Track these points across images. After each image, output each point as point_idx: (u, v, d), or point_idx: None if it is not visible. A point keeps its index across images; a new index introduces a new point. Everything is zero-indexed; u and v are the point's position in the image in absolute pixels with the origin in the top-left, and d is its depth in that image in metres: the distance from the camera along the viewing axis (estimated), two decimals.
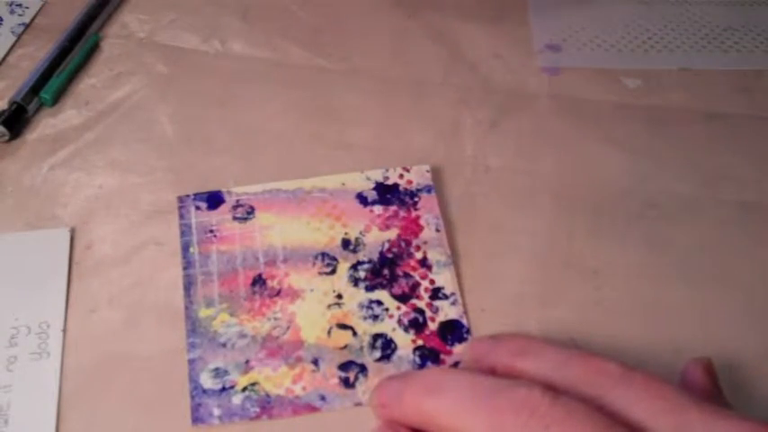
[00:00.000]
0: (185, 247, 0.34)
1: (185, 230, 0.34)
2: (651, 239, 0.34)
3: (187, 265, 0.33)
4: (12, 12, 0.44)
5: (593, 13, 0.46)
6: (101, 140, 0.39)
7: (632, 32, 0.45)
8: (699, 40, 0.44)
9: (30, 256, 0.34)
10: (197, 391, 0.30)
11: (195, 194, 0.36)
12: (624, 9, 0.46)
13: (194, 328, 0.31)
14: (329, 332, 0.31)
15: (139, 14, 0.45)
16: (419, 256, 0.34)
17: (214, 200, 0.35)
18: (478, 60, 0.42)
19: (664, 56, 0.43)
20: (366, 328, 0.32)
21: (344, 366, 0.30)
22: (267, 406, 0.29)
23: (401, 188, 0.36)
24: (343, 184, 0.36)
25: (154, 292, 0.33)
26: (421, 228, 0.34)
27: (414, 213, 0.35)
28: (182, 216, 0.35)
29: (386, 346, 0.31)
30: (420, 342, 0.31)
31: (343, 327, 0.32)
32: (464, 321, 0.32)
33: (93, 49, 0.43)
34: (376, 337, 0.31)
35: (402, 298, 0.32)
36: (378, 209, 0.35)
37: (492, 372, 0.28)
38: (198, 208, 0.35)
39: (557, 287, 0.33)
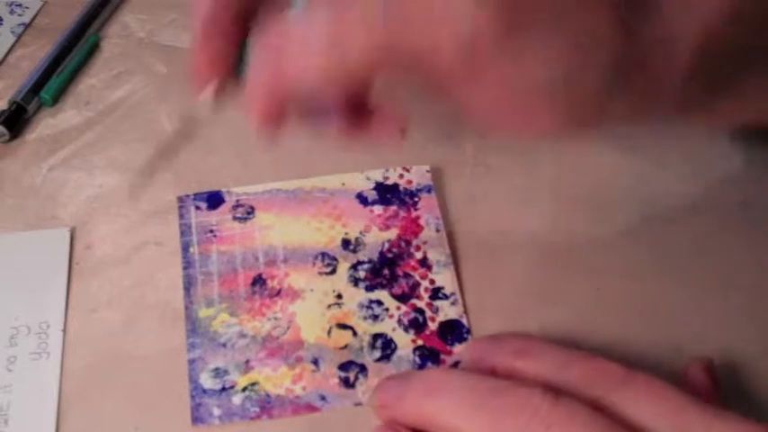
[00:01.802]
0: (185, 247, 0.34)
1: (185, 230, 0.34)
2: (651, 239, 0.34)
3: (187, 265, 0.33)
4: (12, 12, 0.44)
5: None
6: (101, 140, 0.39)
7: None
8: None
9: (30, 256, 0.34)
10: (197, 391, 0.30)
11: (195, 194, 0.36)
12: None
13: (194, 328, 0.31)
14: (329, 332, 0.31)
15: (139, 14, 0.45)
16: (419, 256, 0.34)
17: (214, 200, 0.35)
18: None
19: None
20: (366, 328, 0.32)
21: (344, 366, 0.30)
22: (267, 406, 0.29)
23: (401, 188, 0.36)
24: (343, 184, 0.36)
25: (154, 292, 0.33)
26: (421, 228, 0.34)
27: (414, 213, 0.35)
28: (182, 216, 0.35)
29: (386, 346, 0.31)
30: (420, 342, 0.31)
31: (343, 327, 0.32)
32: (464, 321, 0.32)
33: (93, 49, 0.43)
34: (376, 336, 0.31)
35: (402, 298, 0.32)
36: (378, 209, 0.35)
37: (492, 372, 0.28)
38: (198, 208, 0.35)
39: (557, 287, 0.33)
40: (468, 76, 0.24)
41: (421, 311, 0.32)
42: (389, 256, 0.34)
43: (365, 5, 0.22)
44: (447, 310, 0.32)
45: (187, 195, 0.36)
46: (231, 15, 0.25)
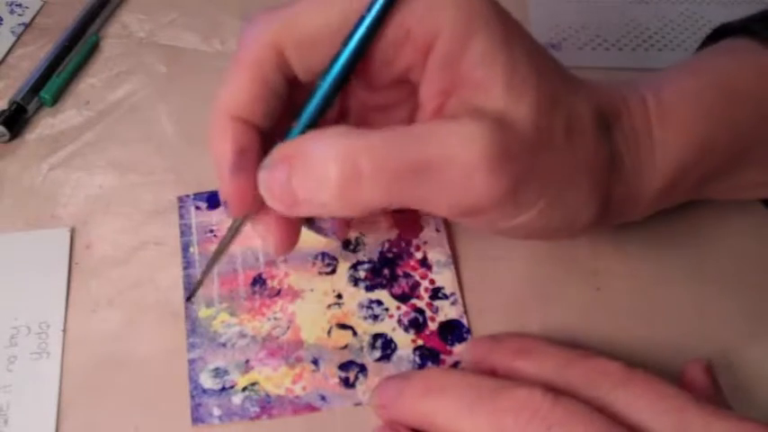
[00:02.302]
0: (185, 247, 0.34)
1: (185, 230, 0.34)
2: (651, 239, 0.34)
3: (187, 265, 0.33)
4: (12, 12, 0.44)
5: (594, 12, 0.46)
6: (101, 140, 0.39)
7: (632, 32, 0.45)
8: (699, 39, 0.44)
9: (30, 256, 0.34)
10: (197, 390, 0.30)
11: (195, 194, 0.36)
12: (624, 8, 0.46)
13: (194, 328, 0.31)
14: (329, 332, 0.31)
15: (139, 14, 0.45)
16: (419, 255, 0.34)
17: (214, 200, 0.35)
18: None
19: (664, 55, 0.43)
20: (366, 328, 0.32)
21: (344, 366, 0.30)
22: (267, 406, 0.29)
23: None
24: None
25: (154, 292, 0.33)
26: (421, 227, 0.34)
27: (414, 213, 0.35)
28: (182, 216, 0.35)
29: (386, 346, 0.31)
30: (420, 342, 0.31)
31: (343, 327, 0.32)
32: (464, 321, 0.32)
33: (93, 49, 0.43)
34: (376, 336, 0.31)
35: (402, 298, 0.32)
36: None
37: (492, 372, 0.28)
38: (198, 208, 0.35)
39: (557, 287, 0.33)
40: (461, 220, 0.29)
41: (421, 311, 0.32)
42: (389, 255, 0.34)
43: (380, 155, 0.24)
44: (447, 310, 0.32)
45: (187, 195, 0.36)
46: (256, 151, 0.26)
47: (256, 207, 0.27)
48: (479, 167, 0.24)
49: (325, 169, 0.24)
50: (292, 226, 0.28)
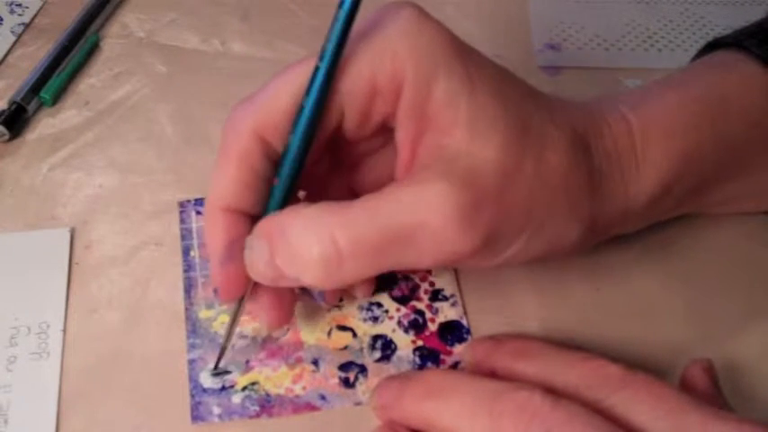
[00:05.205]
0: (186, 251, 0.34)
1: (186, 234, 0.34)
2: (651, 239, 0.34)
3: (187, 267, 0.33)
4: (12, 12, 0.44)
5: (594, 12, 0.46)
6: (101, 140, 0.39)
7: (632, 32, 0.45)
8: (699, 39, 0.44)
9: (30, 256, 0.34)
10: (197, 390, 0.30)
11: (196, 200, 0.36)
12: (624, 8, 0.46)
13: (194, 328, 0.31)
14: (329, 333, 0.31)
15: (139, 14, 0.45)
16: None
17: None
18: None
19: (664, 55, 0.43)
20: (366, 330, 0.32)
21: (344, 367, 0.31)
22: (267, 405, 0.29)
23: None
24: None
25: (154, 292, 0.33)
26: None
27: None
28: (182, 220, 0.35)
29: (386, 347, 0.31)
30: (420, 342, 0.31)
31: (343, 328, 0.32)
32: (464, 322, 0.32)
33: (93, 49, 0.43)
34: (376, 338, 0.31)
35: (402, 300, 0.32)
36: None
37: (492, 373, 0.28)
38: (199, 213, 0.35)
39: (557, 287, 0.33)
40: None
41: (421, 313, 0.32)
42: None
43: (357, 233, 0.24)
44: (447, 312, 0.32)
45: (188, 201, 0.36)
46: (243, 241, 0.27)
47: (247, 290, 0.28)
48: (450, 227, 0.24)
49: (307, 252, 0.25)
50: (285, 305, 0.29)
